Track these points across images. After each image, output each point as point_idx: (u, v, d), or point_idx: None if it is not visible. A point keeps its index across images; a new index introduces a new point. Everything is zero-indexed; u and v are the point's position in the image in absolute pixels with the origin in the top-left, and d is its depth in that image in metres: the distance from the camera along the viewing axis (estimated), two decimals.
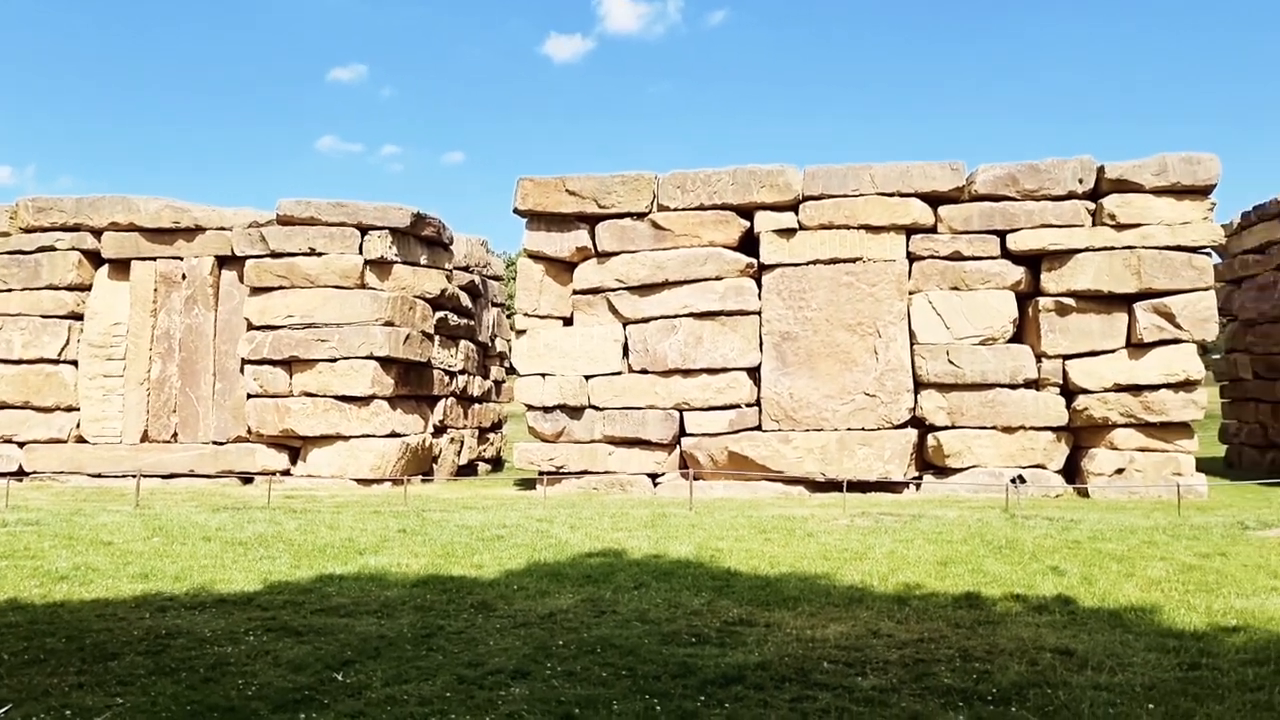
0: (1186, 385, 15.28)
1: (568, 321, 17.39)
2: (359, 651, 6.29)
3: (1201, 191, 15.38)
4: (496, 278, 24.44)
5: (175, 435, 18.83)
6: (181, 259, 19.02)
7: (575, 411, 16.99)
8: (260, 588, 8.34)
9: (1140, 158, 15.50)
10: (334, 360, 17.97)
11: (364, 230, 18.29)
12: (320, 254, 18.16)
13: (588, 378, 16.95)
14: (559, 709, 5.16)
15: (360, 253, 18.25)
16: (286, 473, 18.37)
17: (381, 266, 18.44)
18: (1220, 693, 5.40)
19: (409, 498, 15.08)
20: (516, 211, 17.30)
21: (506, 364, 23.68)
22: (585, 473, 16.94)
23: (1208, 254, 15.70)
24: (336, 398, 18.02)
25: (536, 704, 5.25)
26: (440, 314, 19.86)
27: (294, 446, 18.52)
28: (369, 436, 18.11)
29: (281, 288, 18.21)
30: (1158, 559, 9.36)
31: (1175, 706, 5.17)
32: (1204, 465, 17.80)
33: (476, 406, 22.40)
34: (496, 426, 24.02)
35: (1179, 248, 15.33)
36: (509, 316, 24.41)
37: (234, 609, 7.53)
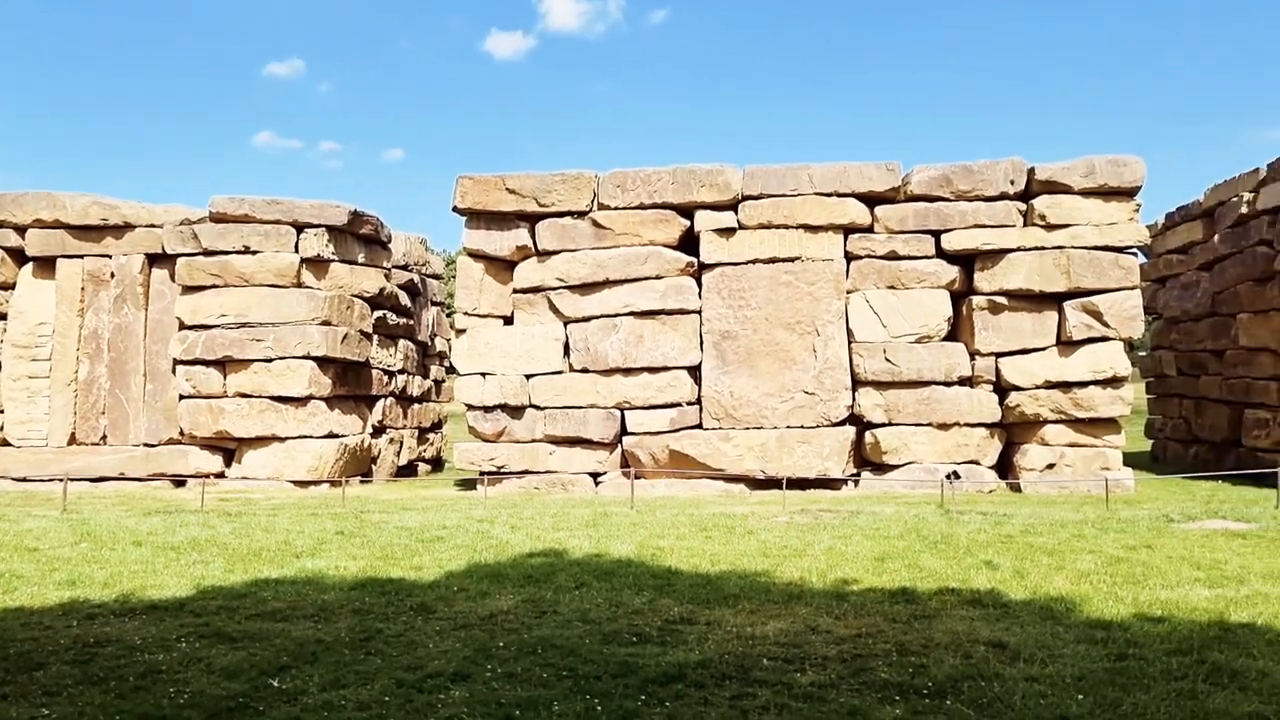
0: (1114, 382, 15.68)
1: (508, 320, 17.31)
2: (295, 657, 6.20)
3: (1127, 193, 15.79)
4: (436, 276, 24.23)
5: (104, 437, 18.37)
6: (110, 257, 18.57)
7: (516, 411, 16.91)
8: (193, 593, 8.17)
9: (1069, 159, 15.86)
10: (270, 360, 17.67)
11: (300, 228, 18.01)
12: (255, 252, 17.85)
13: (528, 377, 16.89)
14: (499, 711, 5.14)
15: (296, 251, 17.97)
16: (221, 475, 18.03)
17: (318, 265, 18.18)
18: (1146, 682, 5.55)
19: (347, 499, 14.90)
20: (456, 210, 17.17)
21: (446, 363, 23.48)
22: (526, 472, 16.88)
23: (1134, 254, 16.12)
24: (272, 398, 17.72)
25: (477, 706, 5.22)
26: (379, 313, 19.64)
27: (229, 448, 18.18)
28: (306, 437, 17.84)
29: (215, 286, 17.87)
30: (1087, 552, 9.59)
31: (1103, 696, 5.31)
32: (1131, 460, 18.28)
33: (416, 406, 22.19)
34: (437, 426, 23.82)
35: (1106, 248, 15.72)
36: (449, 315, 24.20)
37: (165, 615, 7.37)
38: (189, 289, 18.00)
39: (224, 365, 17.83)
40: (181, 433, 18.07)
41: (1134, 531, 10.81)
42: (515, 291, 17.20)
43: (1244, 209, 17.89)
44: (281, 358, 17.64)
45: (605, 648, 6.36)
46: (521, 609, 7.50)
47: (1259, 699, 5.23)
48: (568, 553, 9.90)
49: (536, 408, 16.86)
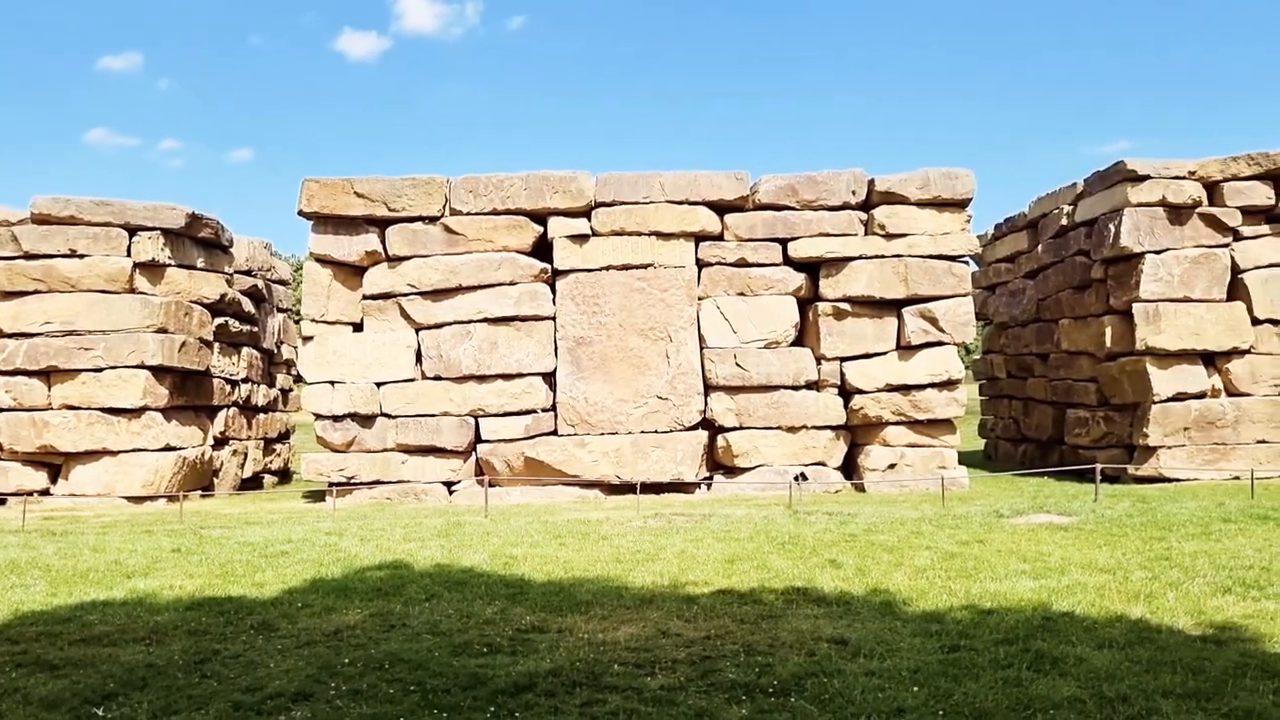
0: (949, 384, 16.45)
1: (358, 327, 16.90)
2: (123, 683, 5.88)
3: (959, 204, 16.60)
4: (282, 282, 23.43)
5: None
6: None
7: (367, 420, 16.52)
8: (9, 619, 7.65)
9: (906, 171, 16.57)
10: (99, 370, 16.74)
11: (133, 231, 17.13)
12: (83, 256, 16.89)
13: (379, 385, 16.52)
14: None
15: (129, 255, 17.09)
16: (46, 492, 16.96)
17: (153, 270, 17.33)
18: (976, 672, 5.83)
19: (186, 515, 14.24)
20: (301, 214, 16.65)
21: (294, 372, 22.73)
22: (378, 483, 16.51)
23: (966, 262, 16.95)
24: (103, 410, 16.80)
25: None
26: (220, 320, 18.86)
27: (54, 464, 17.12)
28: (141, 451, 16.97)
29: (38, 292, 16.81)
30: (924, 548, 10.02)
31: (937, 687, 5.55)
32: (966, 458, 19.21)
33: (261, 416, 21.40)
34: (284, 437, 23.02)
35: (941, 256, 16.48)
36: (296, 322, 23.43)
37: None
38: (8, 294, 16.87)
39: (48, 375, 16.79)
40: (1, 448, 16.91)
41: (967, 527, 11.36)
42: (365, 298, 16.81)
43: (1064, 221, 19.06)
44: (113, 367, 16.73)
45: (455, 660, 6.27)
46: (369, 623, 7.32)
47: (1077, 684, 5.56)
48: (419, 564, 9.73)
49: (388, 416, 16.51)
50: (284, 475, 22.70)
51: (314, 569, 9.53)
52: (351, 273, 16.87)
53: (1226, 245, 16.53)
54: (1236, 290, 16.53)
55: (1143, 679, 5.59)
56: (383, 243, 16.66)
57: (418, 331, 16.66)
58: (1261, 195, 16.41)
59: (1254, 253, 16.57)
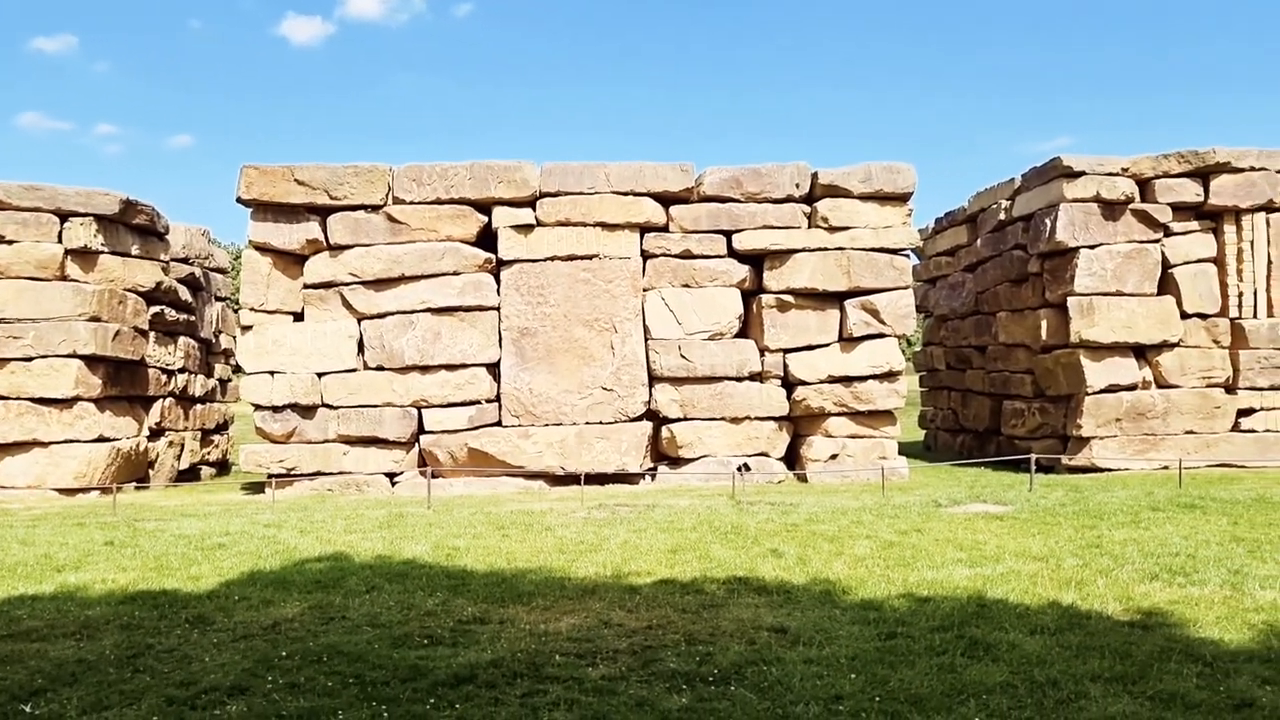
0: (890, 376, 16.67)
1: (298, 317, 16.66)
2: (52, 679, 5.75)
3: (901, 198, 16.80)
4: (221, 270, 22.99)
5: None
6: None
7: (307, 411, 16.31)
8: None
9: (850, 165, 16.73)
10: (29, 359, 16.31)
11: (64, 217, 16.69)
12: (11, 242, 16.42)
13: (320, 375, 16.31)
14: None
15: (60, 241, 16.65)
16: None
17: (86, 257, 16.90)
18: (912, 659, 5.94)
19: (120, 507, 13.95)
20: (240, 201, 16.36)
21: (233, 362, 22.33)
22: (319, 474, 16.31)
23: (907, 256, 17.17)
24: (34, 400, 16.37)
25: None
26: (156, 308, 18.46)
27: None
28: (73, 442, 16.57)
29: None
30: (864, 537, 10.16)
31: (874, 674, 5.64)
32: (906, 449, 19.50)
33: (199, 407, 21.01)
34: (222, 428, 22.63)
35: (883, 250, 16.68)
36: (235, 311, 23.02)
37: None
38: None
39: None
40: None
41: (906, 517, 11.54)
42: (306, 287, 16.57)
43: (1002, 215, 19.40)
44: (44, 356, 16.31)
45: (395, 652, 6.23)
46: (308, 616, 7.24)
47: (1009, 669, 5.69)
48: (360, 555, 9.64)
49: (329, 407, 16.31)
50: (222, 467, 22.32)
51: (252, 561, 9.40)
52: (292, 261, 16.62)
53: (1158, 241, 16.95)
54: (1167, 285, 16.96)
55: (1072, 663, 5.74)
56: (324, 231, 16.43)
57: (360, 321, 16.48)
58: (1191, 192, 16.85)
59: (1183, 248, 17.00)
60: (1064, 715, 4.93)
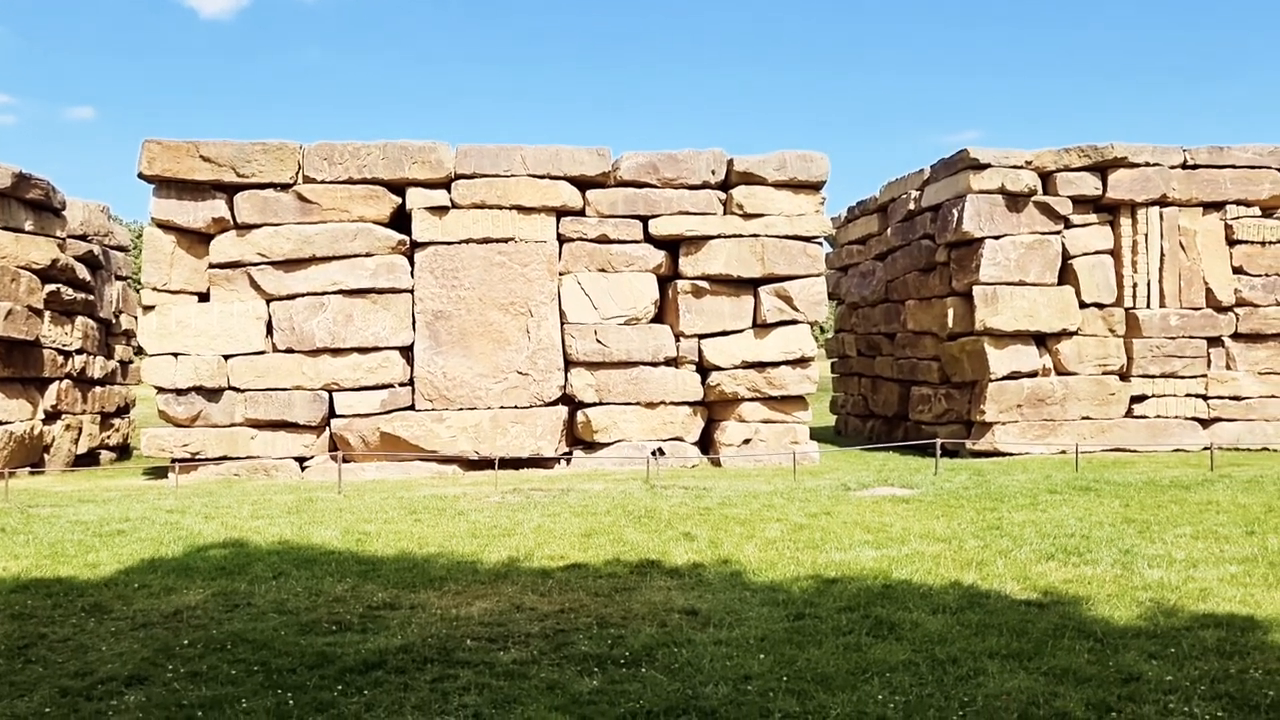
0: (802, 362, 16.93)
1: (204, 297, 16.20)
2: None
3: (814, 186, 17.03)
4: (122, 248, 22.20)
5: None
6: None
7: (213, 394, 15.90)
8: None
9: (765, 153, 16.90)
10: None
11: None
12: None
13: (227, 357, 15.91)
14: (180, 714, 4.84)
15: None
16: None
17: None
18: (819, 639, 6.06)
19: (12, 493, 13.42)
20: (142, 177, 15.82)
21: (134, 343, 21.61)
22: (225, 458, 15.92)
23: (820, 243, 17.43)
24: None
25: (154, 711, 4.88)
26: (51, 287, 17.75)
27: None
28: None
29: None
30: (775, 520, 10.32)
31: (782, 654, 5.75)
32: (817, 434, 19.84)
33: (98, 389, 20.30)
34: (123, 411, 21.90)
35: (796, 237, 16.90)
36: (137, 291, 22.27)
37: None
38: None
39: None
40: None
41: (816, 500, 11.75)
42: (212, 266, 16.12)
43: (912, 205, 19.82)
44: None
45: (302, 639, 6.14)
46: (211, 603, 7.08)
47: (912, 648, 5.84)
48: (267, 541, 9.45)
49: (236, 390, 15.93)
50: (123, 451, 21.62)
51: (153, 548, 9.15)
52: (197, 240, 16.15)
53: (1059, 232, 17.50)
54: (1066, 275, 17.53)
55: (971, 641, 5.92)
56: (231, 210, 16.00)
57: (269, 303, 16.10)
58: (1090, 185, 17.43)
59: (1082, 240, 17.60)
60: (963, 691, 5.09)
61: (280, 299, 16.05)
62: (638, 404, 16.58)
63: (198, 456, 15.82)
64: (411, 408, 16.27)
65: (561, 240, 16.69)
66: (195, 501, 12.35)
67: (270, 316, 16.07)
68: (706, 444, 17.24)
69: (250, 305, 16.03)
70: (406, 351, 16.35)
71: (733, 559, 8.46)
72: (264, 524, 10.49)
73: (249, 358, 15.94)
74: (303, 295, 16.01)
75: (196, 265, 16.14)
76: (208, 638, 6.15)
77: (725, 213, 16.87)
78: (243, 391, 15.90)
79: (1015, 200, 17.29)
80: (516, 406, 16.32)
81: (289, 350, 16.01)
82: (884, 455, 18.17)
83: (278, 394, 15.89)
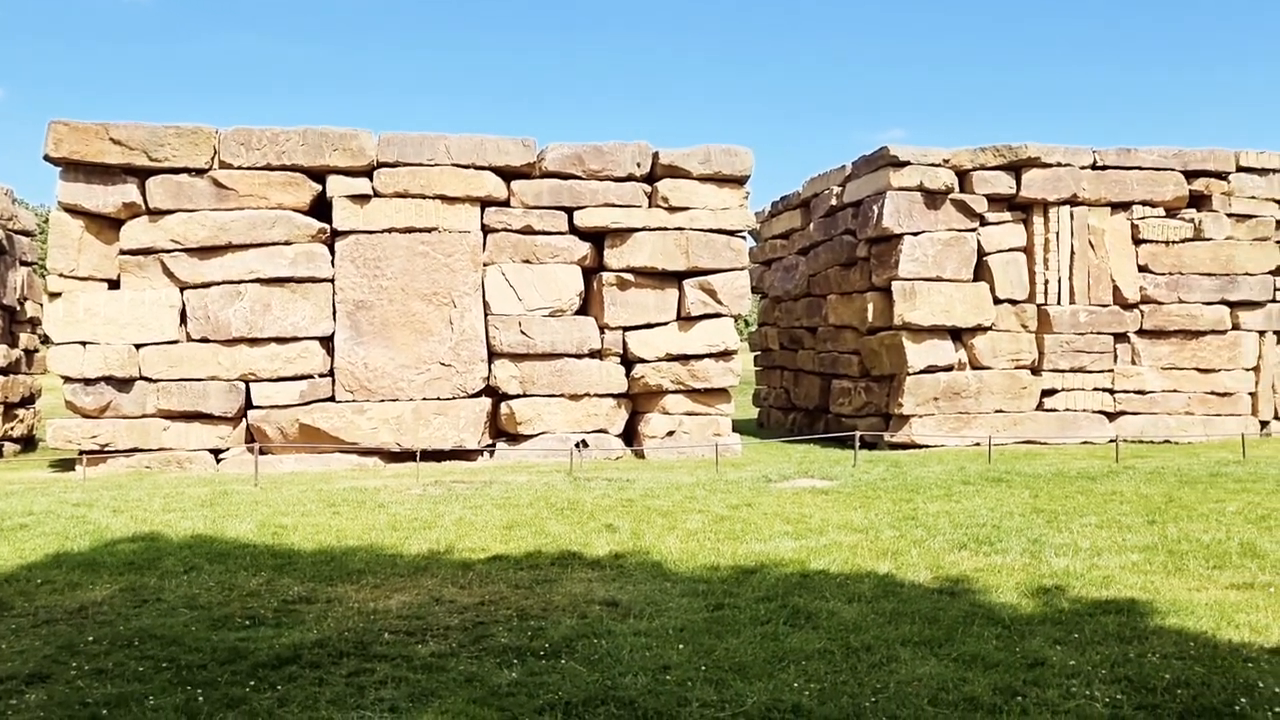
0: (725, 355, 17.07)
1: (114, 284, 15.71)
2: None
3: (738, 180, 17.16)
4: (27, 233, 21.39)
5: None
6: None
7: (124, 384, 15.44)
8: None
9: (690, 146, 16.96)
10: None
11: None
12: None
13: (139, 346, 15.46)
14: (84, 712, 4.71)
15: None
16: None
17: None
18: (737, 628, 6.13)
19: None
20: (49, 159, 15.26)
21: (40, 331, 20.85)
22: (136, 450, 15.47)
23: (744, 237, 17.58)
24: None
25: (56, 710, 4.74)
26: None
27: None
28: None
29: None
30: (696, 512, 10.41)
31: (701, 644, 5.80)
32: (740, 426, 20.02)
33: (1, 379, 19.55)
34: (28, 401, 21.13)
35: (720, 231, 17.02)
36: (43, 277, 21.50)
37: None
38: None
39: None
40: None
41: (738, 492, 11.88)
42: (123, 253, 15.64)
43: (834, 201, 20.10)
44: None
45: (214, 634, 6.01)
46: (119, 599, 6.89)
47: (828, 636, 5.95)
48: (178, 535, 9.22)
49: (148, 380, 15.49)
50: (28, 443, 20.87)
51: (58, 543, 8.86)
52: (107, 225, 15.65)
53: (974, 230, 17.92)
54: (982, 272, 17.97)
55: (885, 629, 6.05)
56: (143, 194, 15.53)
57: (183, 290, 15.68)
58: (1005, 184, 17.87)
59: (997, 237, 18.04)
60: (876, 678, 5.20)
61: (195, 287, 15.65)
62: (562, 396, 16.55)
63: (107, 449, 15.36)
64: (332, 399, 16.01)
65: (486, 231, 16.56)
66: (104, 495, 11.99)
67: (184, 305, 15.67)
68: (631, 436, 17.29)
69: (163, 293, 15.60)
70: (327, 342, 16.07)
71: (654, 550, 8.50)
72: (176, 517, 10.23)
73: (162, 347, 15.52)
74: (219, 283, 15.63)
75: (106, 251, 15.65)
76: (114, 634, 5.99)
77: (650, 205, 16.90)
78: (155, 382, 15.48)
79: (933, 198, 17.65)
80: (439, 398, 16.17)
81: (204, 339, 15.63)
82: (805, 447, 18.42)
83: (192, 384, 15.50)
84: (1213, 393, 18.67)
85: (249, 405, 15.79)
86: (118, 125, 15.31)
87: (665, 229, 16.76)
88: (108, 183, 15.42)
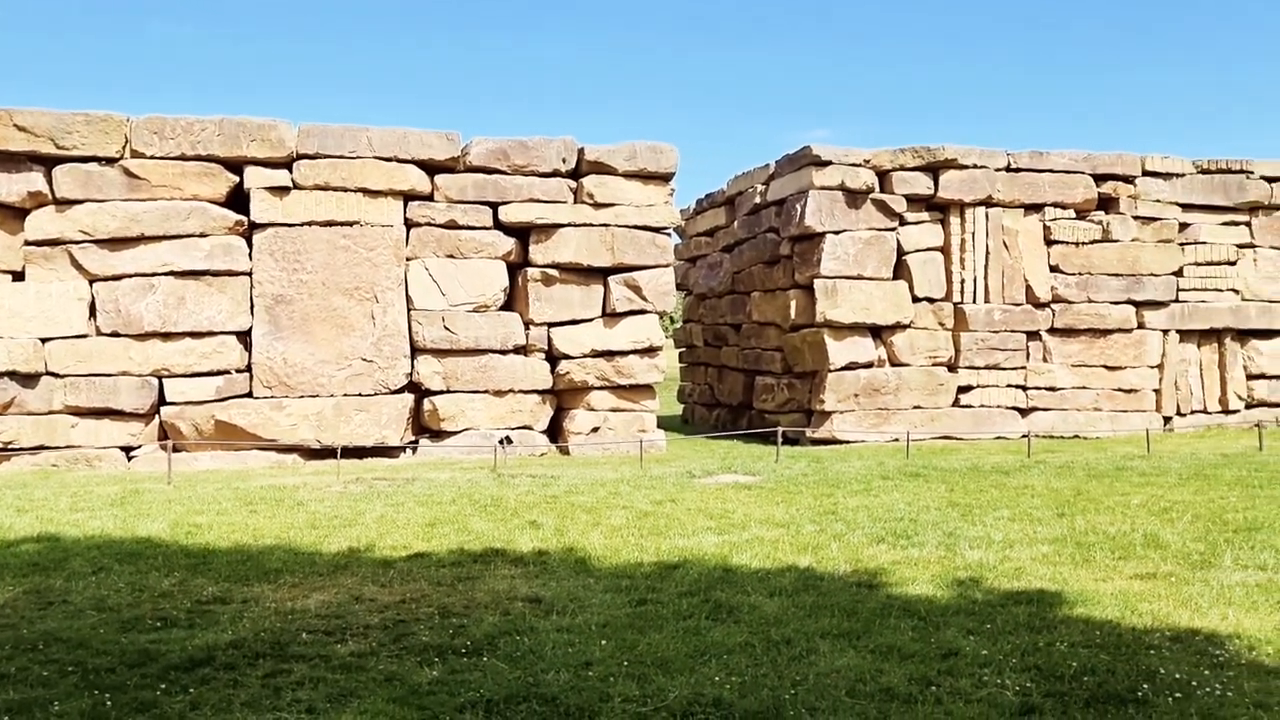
0: (650, 351, 17.14)
1: (19, 276, 15.16)
2: None
3: (663, 178, 17.23)
4: None
5: None
6: None
7: (29, 379, 14.91)
8: None
9: (616, 143, 16.98)
10: None
11: None
12: None
13: (45, 340, 14.94)
14: None
15: None
16: None
17: None
18: (660, 623, 6.17)
19: None
20: None
21: None
22: (42, 448, 14.95)
23: (669, 234, 17.66)
24: None
25: None
26: None
27: None
28: None
29: None
30: (621, 508, 10.43)
31: (624, 639, 5.82)
32: (665, 422, 20.13)
33: None
34: None
35: (646, 227, 17.07)
36: None
37: None
38: None
39: None
40: None
41: (662, 487, 11.93)
42: (28, 244, 15.09)
43: (758, 199, 20.30)
44: None
45: (124, 636, 5.85)
46: (22, 601, 6.66)
47: (749, 630, 6.02)
48: (87, 535, 8.95)
49: (55, 375, 14.98)
50: None
51: None
52: (11, 215, 15.09)
53: (894, 229, 18.27)
54: (901, 270, 18.33)
55: (805, 622, 6.14)
56: (50, 183, 15.01)
57: (92, 283, 15.20)
58: (923, 185, 18.25)
59: (915, 237, 18.42)
60: (796, 670, 5.28)
61: (105, 279, 15.18)
62: (486, 392, 16.44)
63: (10, 446, 14.82)
64: (249, 395, 15.67)
65: (409, 225, 16.36)
66: (7, 494, 11.57)
67: (94, 298, 15.19)
68: (555, 432, 17.25)
69: (71, 285, 15.10)
70: (244, 336, 15.73)
71: (578, 546, 8.50)
72: (84, 517, 9.92)
73: (70, 341, 15.02)
74: (130, 276, 15.18)
75: (10, 242, 15.09)
76: (17, 638, 5.79)
77: (576, 201, 16.87)
78: (62, 377, 14.98)
79: (855, 197, 17.94)
80: (361, 394, 15.94)
81: (114, 334, 15.17)
82: (729, 443, 18.59)
83: (102, 380, 15.04)
84: (1119, 389, 19.32)
85: (162, 401, 15.38)
86: (22, 111, 14.77)
87: (591, 225, 16.75)
88: (11, 171, 14.86)
